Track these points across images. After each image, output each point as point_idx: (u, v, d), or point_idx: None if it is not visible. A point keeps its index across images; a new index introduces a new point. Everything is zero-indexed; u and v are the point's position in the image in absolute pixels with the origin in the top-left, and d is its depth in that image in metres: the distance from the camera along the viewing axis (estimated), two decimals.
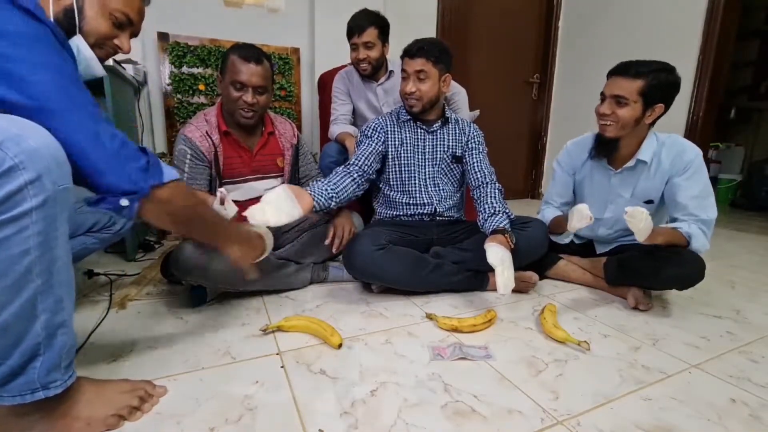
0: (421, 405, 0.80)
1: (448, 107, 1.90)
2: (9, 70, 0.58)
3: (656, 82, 1.19)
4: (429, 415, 0.77)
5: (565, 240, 1.58)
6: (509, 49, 3.30)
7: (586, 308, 1.30)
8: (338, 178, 1.32)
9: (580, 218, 1.21)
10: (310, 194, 1.18)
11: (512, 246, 1.23)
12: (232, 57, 1.29)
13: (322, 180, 1.32)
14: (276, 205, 1.04)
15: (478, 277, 1.40)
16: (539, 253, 1.41)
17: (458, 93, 1.94)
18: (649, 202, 1.35)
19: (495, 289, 1.40)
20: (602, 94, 1.29)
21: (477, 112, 1.95)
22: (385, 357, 0.97)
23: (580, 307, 1.31)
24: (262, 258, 1.03)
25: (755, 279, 1.66)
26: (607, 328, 1.17)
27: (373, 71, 1.80)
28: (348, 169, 1.36)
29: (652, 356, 1.01)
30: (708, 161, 3.40)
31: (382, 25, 1.74)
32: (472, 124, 1.53)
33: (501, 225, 1.27)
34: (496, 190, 1.40)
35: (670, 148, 1.29)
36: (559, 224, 1.43)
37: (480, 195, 1.41)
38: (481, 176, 1.44)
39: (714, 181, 3.84)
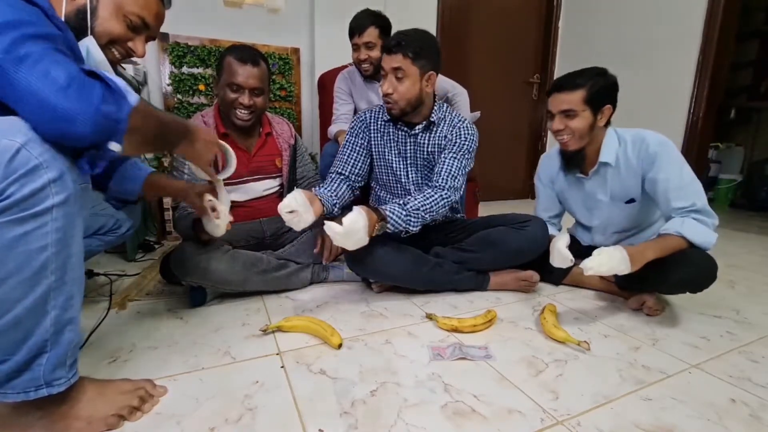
0: (421, 405, 0.80)
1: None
2: None
3: (597, 88, 1.22)
4: (429, 415, 0.77)
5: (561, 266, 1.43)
6: (509, 49, 3.30)
7: (586, 308, 1.30)
8: (336, 185, 1.35)
9: (562, 261, 1.22)
10: (320, 200, 1.22)
11: (374, 234, 1.14)
12: (228, 58, 1.29)
13: (325, 186, 1.33)
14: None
15: (479, 277, 1.40)
16: (538, 253, 1.38)
17: (460, 94, 1.94)
18: (630, 201, 1.33)
19: (495, 289, 1.41)
20: (548, 112, 1.29)
21: (478, 114, 1.95)
22: (385, 357, 0.97)
23: (580, 307, 1.31)
24: (226, 175, 0.98)
25: (755, 279, 1.66)
26: (607, 328, 1.17)
27: (374, 71, 1.80)
28: (340, 175, 1.38)
29: (652, 356, 1.01)
30: (708, 161, 3.40)
31: (383, 25, 1.74)
32: (464, 125, 1.38)
33: (386, 211, 1.16)
34: (439, 197, 1.25)
35: (633, 144, 1.27)
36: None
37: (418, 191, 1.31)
38: (437, 178, 1.29)
39: (714, 181, 3.83)
